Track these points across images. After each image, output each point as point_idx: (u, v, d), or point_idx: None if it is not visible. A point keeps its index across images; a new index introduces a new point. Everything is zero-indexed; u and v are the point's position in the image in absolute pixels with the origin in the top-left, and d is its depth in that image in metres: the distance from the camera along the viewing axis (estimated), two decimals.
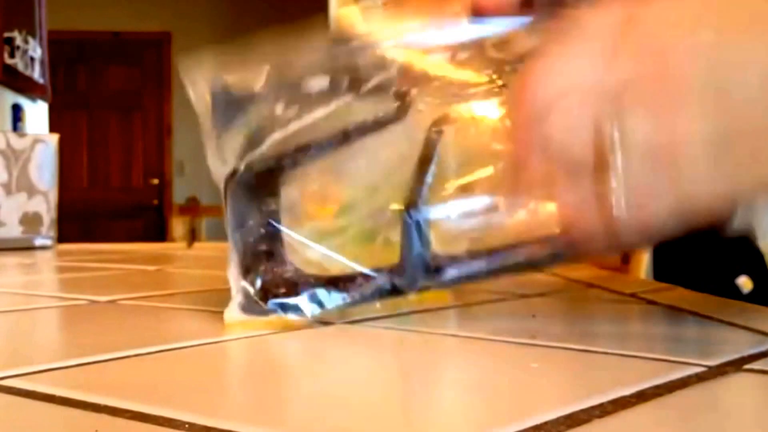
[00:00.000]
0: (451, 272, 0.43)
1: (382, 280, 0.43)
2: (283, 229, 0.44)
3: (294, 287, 0.43)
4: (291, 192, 0.45)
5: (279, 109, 0.44)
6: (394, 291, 0.44)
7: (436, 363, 0.38)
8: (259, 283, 0.43)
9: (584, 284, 0.65)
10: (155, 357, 0.37)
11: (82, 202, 5.77)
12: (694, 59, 0.31)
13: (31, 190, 1.16)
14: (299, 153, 0.45)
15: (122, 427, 0.26)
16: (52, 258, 1.02)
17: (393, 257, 0.43)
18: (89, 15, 5.79)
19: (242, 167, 0.44)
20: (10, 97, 3.37)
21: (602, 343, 0.39)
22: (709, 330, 0.45)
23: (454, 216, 0.42)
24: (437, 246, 0.43)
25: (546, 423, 0.25)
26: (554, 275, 0.72)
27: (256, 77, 0.44)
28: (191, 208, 5.37)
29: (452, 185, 0.43)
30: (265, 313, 0.43)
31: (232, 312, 0.43)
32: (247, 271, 0.43)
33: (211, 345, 0.39)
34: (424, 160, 0.43)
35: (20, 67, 3.37)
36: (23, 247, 1.13)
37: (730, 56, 0.31)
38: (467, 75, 0.44)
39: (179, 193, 5.97)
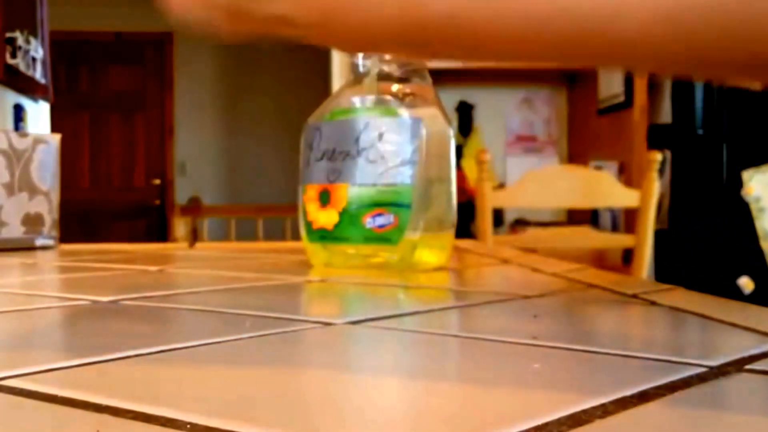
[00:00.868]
0: None
1: None
2: None
3: None
4: None
5: None
6: None
7: (438, 363, 0.38)
8: None
9: (585, 284, 0.66)
10: (157, 357, 0.37)
11: (84, 203, 5.77)
12: None
13: (33, 191, 1.16)
14: None
15: (124, 428, 0.26)
16: (54, 258, 1.03)
17: None
18: (91, 15, 5.79)
19: None
20: (12, 97, 3.37)
21: (604, 343, 0.39)
22: (710, 331, 0.45)
23: None
24: None
25: (548, 423, 0.25)
26: (555, 275, 0.73)
27: None
28: (193, 208, 5.37)
29: None
30: None
31: None
32: None
33: (212, 345, 0.39)
34: None
35: (22, 67, 3.37)
36: (25, 247, 1.13)
37: None
38: None
39: (181, 193, 5.97)
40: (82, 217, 5.62)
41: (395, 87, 0.81)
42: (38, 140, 1.17)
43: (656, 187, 1.94)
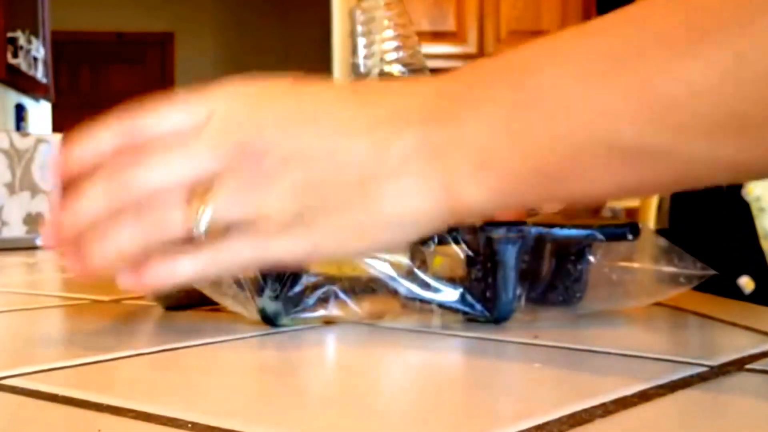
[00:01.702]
0: None
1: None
2: None
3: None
4: None
5: None
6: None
7: (439, 363, 0.38)
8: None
9: None
10: (158, 356, 0.37)
11: None
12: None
13: (35, 190, 1.16)
14: None
15: (125, 427, 0.26)
16: (55, 257, 1.03)
17: None
18: (92, 15, 5.79)
19: None
20: (14, 97, 3.37)
21: (604, 343, 0.39)
22: (710, 330, 0.45)
23: None
24: None
25: (549, 422, 0.25)
26: None
27: None
28: None
29: None
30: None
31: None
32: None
33: (213, 344, 0.39)
34: None
35: (23, 67, 3.37)
36: (26, 246, 1.13)
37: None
38: None
39: None
40: None
41: None
42: (40, 140, 1.17)
43: None
